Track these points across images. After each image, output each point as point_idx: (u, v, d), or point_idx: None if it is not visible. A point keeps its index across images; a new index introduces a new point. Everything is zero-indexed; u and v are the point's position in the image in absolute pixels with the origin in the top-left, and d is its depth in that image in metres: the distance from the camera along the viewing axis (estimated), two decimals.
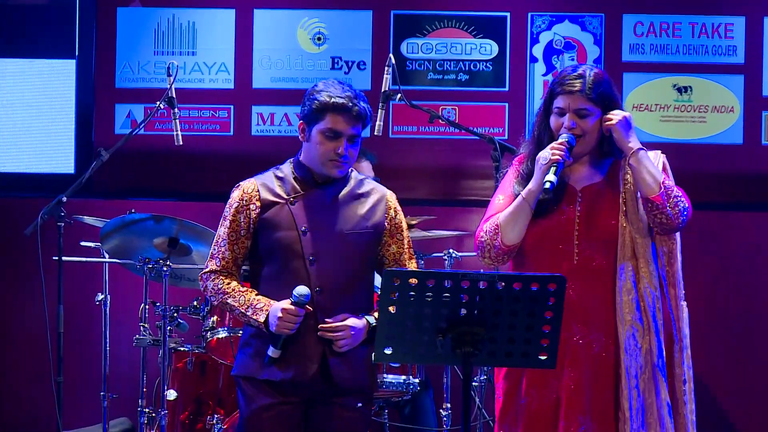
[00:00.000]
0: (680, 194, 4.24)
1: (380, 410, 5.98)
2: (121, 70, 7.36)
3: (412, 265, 4.44)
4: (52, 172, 7.36)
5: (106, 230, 5.91)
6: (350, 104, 4.29)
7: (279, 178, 4.39)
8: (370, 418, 4.54)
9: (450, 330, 3.67)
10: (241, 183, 4.41)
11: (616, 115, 4.25)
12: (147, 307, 6.09)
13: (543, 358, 3.75)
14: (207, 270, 4.39)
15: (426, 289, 3.63)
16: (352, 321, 4.29)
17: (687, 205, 4.25)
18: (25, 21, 7.34)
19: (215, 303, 4.41)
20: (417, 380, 5.57)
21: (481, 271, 3.91)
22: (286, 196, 4.35)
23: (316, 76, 7.27)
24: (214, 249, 4.40)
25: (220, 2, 7.36)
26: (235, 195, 4.39)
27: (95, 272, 6.54)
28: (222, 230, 4.38)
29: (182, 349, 5.91)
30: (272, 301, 4.27)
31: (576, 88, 4.25)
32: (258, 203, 4.34)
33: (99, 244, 6.09)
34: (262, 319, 4.25)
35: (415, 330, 3.69)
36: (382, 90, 5.63)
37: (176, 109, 5.80)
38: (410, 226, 6.05)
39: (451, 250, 6.10)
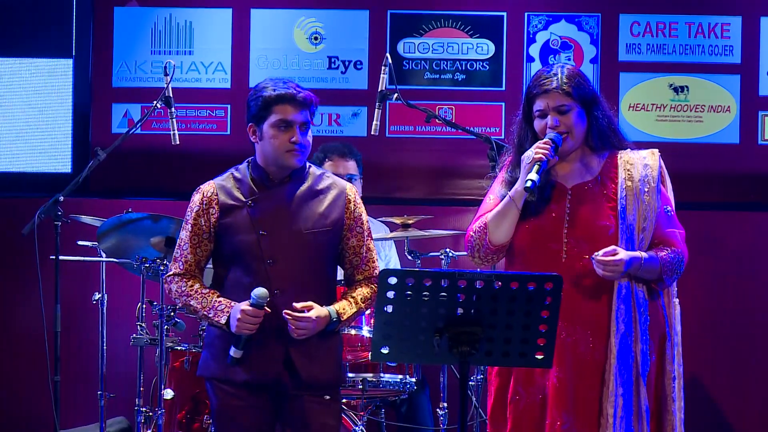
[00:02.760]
0: (678, 258, 4.26)
1: (377, 409, 5.99)
2: (118, 70, 7.36)
3: (373, 255, 4.47)
4: (49, 172, 7.35)
5: (103, 229, 5.90)
6: (294, 92, 4.36)
7: (237, 180, 4.43)
8: (340, 410, 4.57)
9: (447, 329, 3.68)
10: (201, 186, 4.45)
11: (613, 263, 4.15)
12: (144, 306, 6.09)
13: (540, 357, 3.76)
14: (171, 273, 4.44)
15: (423, 288, 3.64)
16: (315, 312, 4.28)
17: (684, 261, 4.28)
18: (21, 20, 7.33)
19: (179, 305, 4.45)
20: (414, 379, 5.57)
21: (478, 270, 3.92)
22: (243, 199, 4.38)
23: (313, 76, 7.28)
24: (177, 252, 4.43)
25: (217, 2, 7.35)
26: (196, 199, 4.43)
27: (92, 271, 6.54)
28: (184, 234, 4.42)
29: (179, 348, 5.91)
30: (233, 303, 4.31)
31: (552, 86, 4.27)
32: (217, 207, 4.38)
33: (96, 243, 6.09)
34: (223, 320, 4.29)
35: (412, 329, 3.70)
36: (379, 89, 5.64)
37: (173, 109, 5.80)
38: (407, 226, 6.06)
39: (447, 250, 6.09)
